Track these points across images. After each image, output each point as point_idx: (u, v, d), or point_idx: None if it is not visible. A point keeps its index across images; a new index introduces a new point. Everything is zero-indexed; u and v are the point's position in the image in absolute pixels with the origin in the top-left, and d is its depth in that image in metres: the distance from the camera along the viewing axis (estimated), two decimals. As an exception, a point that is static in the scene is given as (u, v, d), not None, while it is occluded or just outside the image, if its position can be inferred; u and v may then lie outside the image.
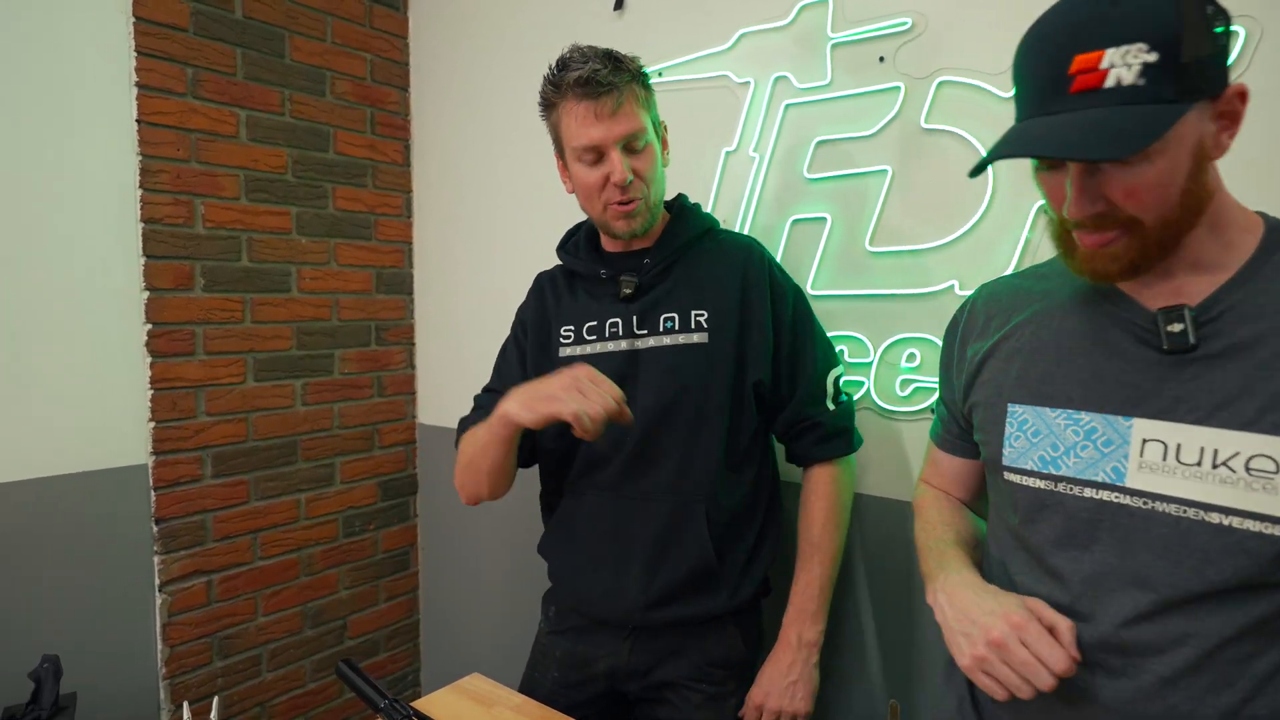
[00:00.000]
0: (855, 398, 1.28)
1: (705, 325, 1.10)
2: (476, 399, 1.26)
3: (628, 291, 1.12)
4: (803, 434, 1.14)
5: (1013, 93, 0.71)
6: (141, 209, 1.54)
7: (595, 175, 1.06)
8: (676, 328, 1.10)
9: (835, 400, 1.15)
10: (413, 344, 2.07)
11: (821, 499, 1.15)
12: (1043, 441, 0.74)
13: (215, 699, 0.81)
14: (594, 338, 1.14)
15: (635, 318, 1.12)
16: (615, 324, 1.13)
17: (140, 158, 1.54)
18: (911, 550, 1.24)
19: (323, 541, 1.88)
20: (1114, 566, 0.69)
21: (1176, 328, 0.67)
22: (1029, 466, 0.75)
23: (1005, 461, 0.77)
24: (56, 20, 1.43)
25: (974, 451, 0.90)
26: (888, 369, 1.26)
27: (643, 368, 1.11)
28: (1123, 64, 0.59)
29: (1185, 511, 0.66)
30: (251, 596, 1.75)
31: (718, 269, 1.13)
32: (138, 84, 1.53)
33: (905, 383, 1.24)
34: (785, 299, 1.13)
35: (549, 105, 1.08)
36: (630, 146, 1.05)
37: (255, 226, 1.72)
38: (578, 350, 1.15)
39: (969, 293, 1.15)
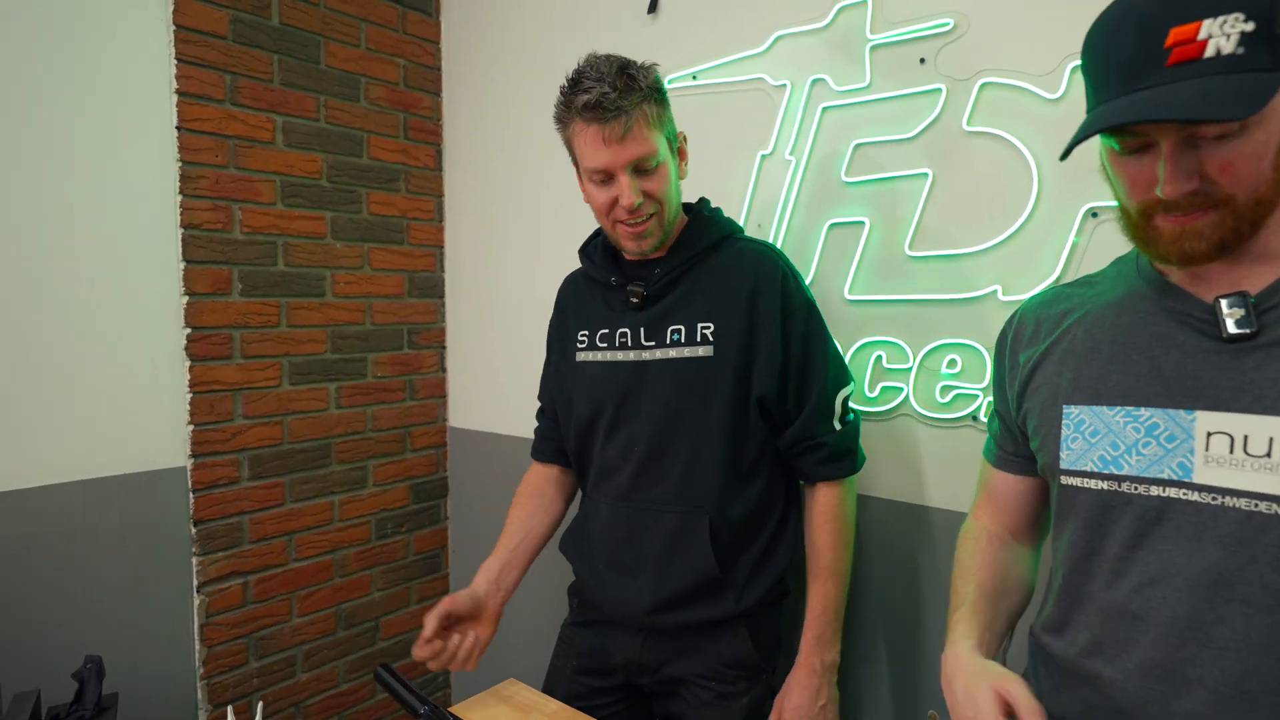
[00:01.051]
0: (893, 405, 1.27)
1: (711, 339, 1.09)
2: (538, 420, 1.37)
3: (635, 301, 1.13)
4: (806, 452, 1.13)
5: (1088, 78, 0.69)
6: (181, 215, 1.56)
7: (605, 196, 1.06)
8: (682, 340, 1.10)
9: (842, 420, 1.13)
10: (444, 347, 2.07)
11: (830, 520, 1.13)
12: (1102, 441, 0.72)
13: (260, 703, 0.82)
14: (605, 345, 1.16)
15: (643, 329, 1.12)
16: (625, 334, 1.14)
17: (180, 164, 1.56)
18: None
19: (356, 543, 1.89)
20: (1181, 566, 0.66)
21: (1237, 313, 0.65)
22: (1089, 468, 0.73)
23: (1063, 464, 0.75)
24: (99, 29, 1.45)
25: (1032, 467, 0.86)
26: (928, 375, 1.24)
27: (648, 380, 1.12)
28: (1221, 34, 0.59)
29: (1257, 505, 0.63)
30: (286, 598, 1.76)
31: (729, 280, 1.11)
32: (178, 91, 1.54)
33: (946, 389, 1.21)
34: (798, 314, 1.11)
35: (562, 122, 1.08)
36: (640, 168, 1.04)
37: (291, 231, 1.74)
38: (590, 356, 1.17)
39: (1014, 298, 1.14)
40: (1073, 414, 0.75)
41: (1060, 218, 1.10)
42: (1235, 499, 0.64)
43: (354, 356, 1.87)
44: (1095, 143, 1.04)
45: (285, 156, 1.72)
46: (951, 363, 1.21)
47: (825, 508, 1.13)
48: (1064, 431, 0.75)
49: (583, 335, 1.19)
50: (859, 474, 1.17)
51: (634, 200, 1.03)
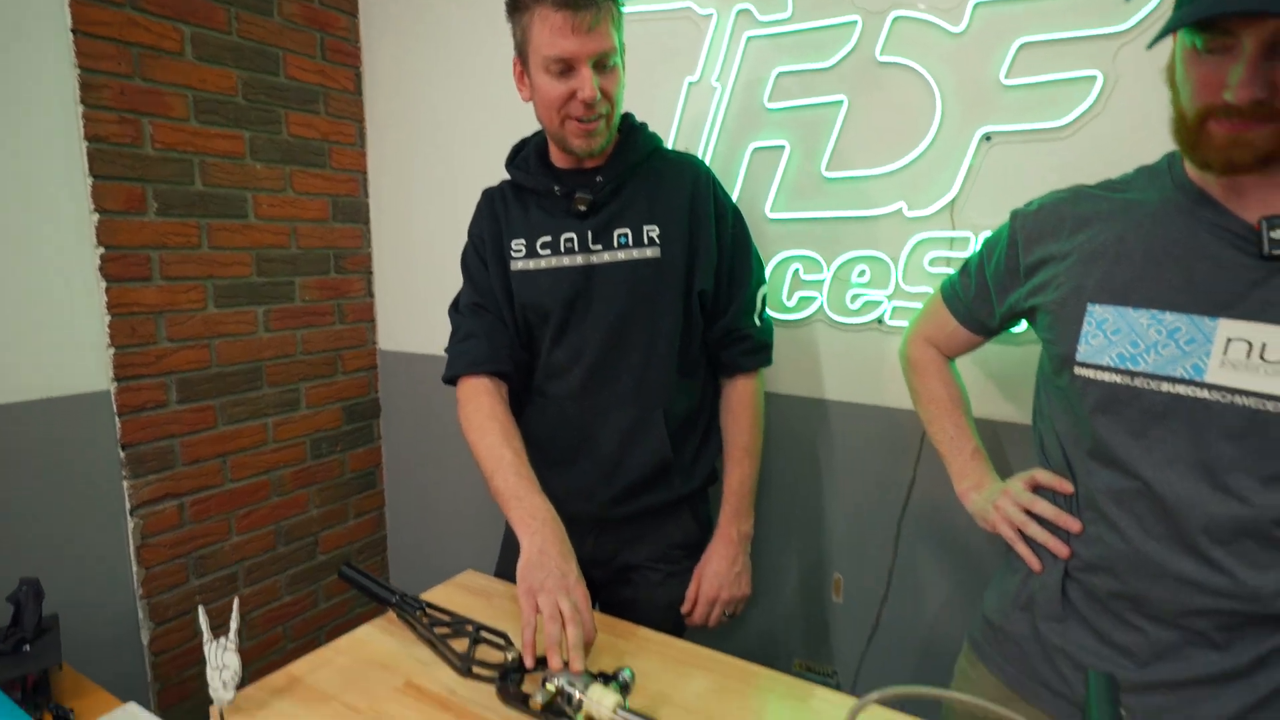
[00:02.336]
0: (808, 313, 1.32)
1: (657, 240, 1.07)
2: (459, 320, 1.15)
3: (582, 208, 1.08)
4: (733, 344, 1.15)
5: None
6: (85, 125, 1.38)
7: (561, 89, 0.98)
8: (630, 243, 1.07)
9: (760, 316, 1.17)
10: (370, 273, 1.96)
11: (749, 408, 1.17)
12: (1122, 339, 0.73)
13: (235, 598, 0.78)
14: (548, 252, 1.09)
15: (590, 233, 1.08)
16: (570, 239, 1.09)
17: (79, 70, 1.36)
18: (882, 449, 1.31)
19: (291, 463, 1.80)
20: (1184, 452, 0.70)
21: (1278, 234, 0.65)
22: (1105, 362, 0.74)
23: (1079, 357, 0.76)
24: (-25, -87, 1.23)
25: (985, 330, 0.94)
26: (839, 285, 1.29)
27: (598, 282, 1.08)
28: None
29: (1265, 405, 0.66)
30: (224, 518, 1.67)
31: (667, 186, 1.10)
32: (72, -10, 1.34)
33: (855, 297, 1.28)
34: (727, 216, 1.12)
35: (519, 7, 0.99)
36: (600, 64, 0.98)
37: (207, 150, 1.57)
38: (530, 264, 1.10)
39: (917, 213, 1.20)
40: (1096, 312, 0.75)
41: (958, 141, 1.16)
42: (1244, 398, 0.67)
43: (281, 280, 1.74)
44: (993, 67, 1.12)
45: (197, 70, 1.54)
46: (861, 272, 1.27)
47: (743, 396, 1.17)
48: (1085, 328, 0.76)
49: (518, 244, 1.11)
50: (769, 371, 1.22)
51: (594, 94, 0.97)
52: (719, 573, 1.13)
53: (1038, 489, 0.84)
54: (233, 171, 1.62)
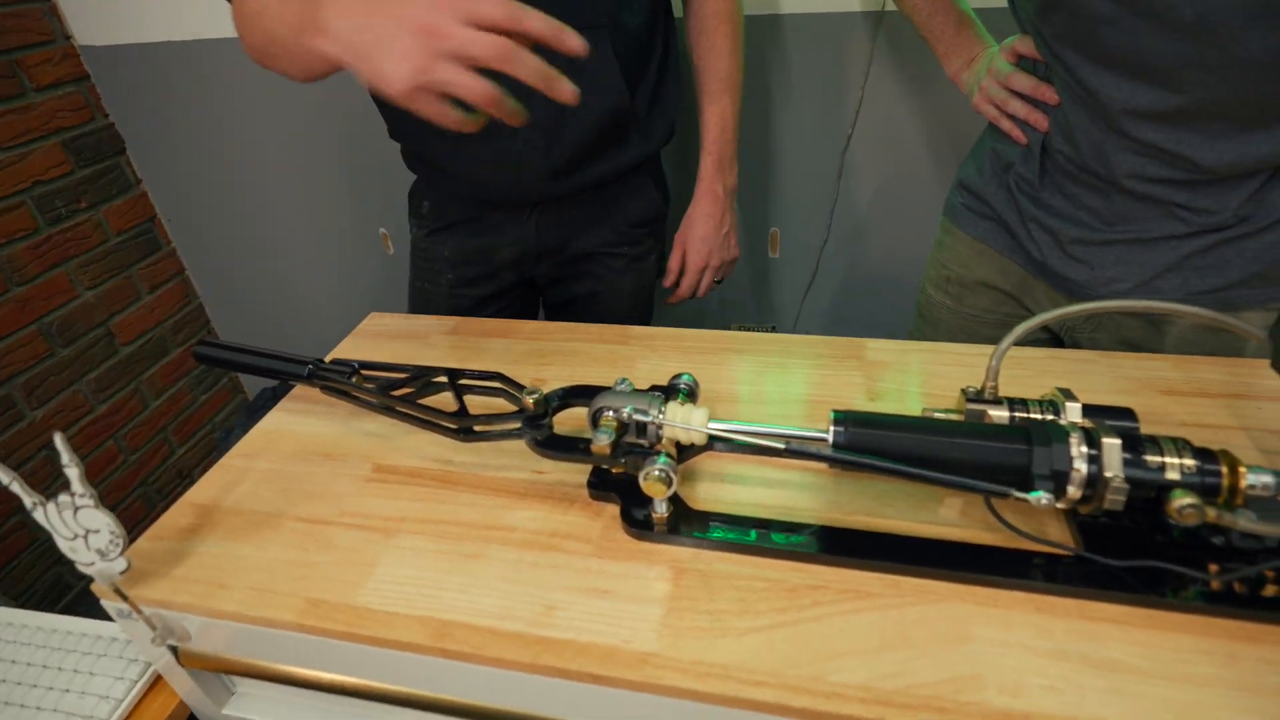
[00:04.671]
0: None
1: None
2: None
3: None
4: None
5: None
6: None
7: None
8: None
9: None
10: (4, -86, 1.18)
11: (725, 20, 0.85)
12: None
13: (57, 434, 0.45)
14: None
15: None
16: None
17: None
18: (823, 70, 1.07)
19: (19, 236, 1.22)
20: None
21: None
22: None
23: None
24: None
25: None
26: None
27: None
28: None
29: None
30: (-52, 329, 1.13)
31: None
32: None
33: None
34: None
35: None
36: None
37: None
38: None
39: None
40: None
41: None
42: None
43: None
44: None
45: None
46: None
47: (719, 5, 0.84)
48: None
49: None
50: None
51: None
52: (706, 237, 0.91)
53: (1020, 60, 0.74)
54: None
